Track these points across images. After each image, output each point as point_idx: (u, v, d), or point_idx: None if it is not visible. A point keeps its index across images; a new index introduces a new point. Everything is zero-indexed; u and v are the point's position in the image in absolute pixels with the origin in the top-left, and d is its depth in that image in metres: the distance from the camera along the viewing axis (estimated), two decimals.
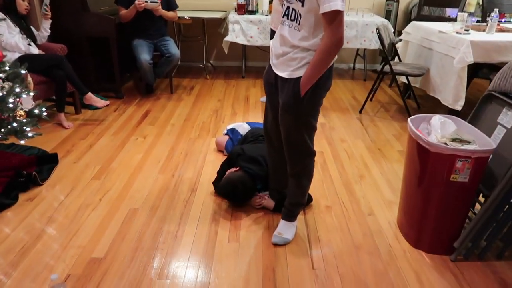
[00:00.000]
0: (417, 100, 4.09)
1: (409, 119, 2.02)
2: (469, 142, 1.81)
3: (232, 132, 2.89)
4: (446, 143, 1.83)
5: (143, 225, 2.13)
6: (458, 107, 3.27)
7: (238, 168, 2.25)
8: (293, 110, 1.73)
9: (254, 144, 2.49)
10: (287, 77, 1.71)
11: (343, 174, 2.73)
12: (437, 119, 2.00)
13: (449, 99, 3.35)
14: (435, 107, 4.09)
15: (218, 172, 2.45)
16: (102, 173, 2.65)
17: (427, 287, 1.77)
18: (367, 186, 2.59)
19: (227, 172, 2.28)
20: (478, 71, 4.00)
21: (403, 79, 4.09)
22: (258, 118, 3.68)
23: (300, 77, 1.67)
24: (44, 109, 2.57)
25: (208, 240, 2.03)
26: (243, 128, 2.84)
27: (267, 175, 2.24)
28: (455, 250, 1.93)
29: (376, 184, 2.62)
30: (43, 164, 2.63)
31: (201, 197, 2.40)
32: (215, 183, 2.44)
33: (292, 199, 2.00)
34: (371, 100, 4.22)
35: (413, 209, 2.00)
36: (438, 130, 1.94)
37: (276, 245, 1.97)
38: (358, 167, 2.84)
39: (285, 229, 2.02)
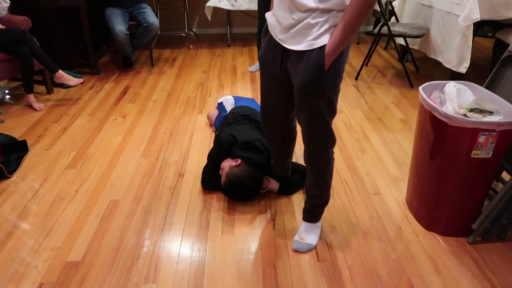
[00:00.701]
0: (416, 63, 3.84)
1: (420, 88, 1.78)
2: (491, 113, 1.59)
3: (221, 106, 2.63)
4: (465, 115, 1.60)
5: (126, 219, 1.90)
6: (463, 69, 3.04)
7: (238, 160, 1.96)
8: (317, 89, 1.41)
9: (238, 127, 2.22)
10: (305, 49, 1.38)
11: (343, 149, 2.51)
12: (451, 87, 1.76)
13: (452, 61, 3.10)
14: (435, 70, 3.84)
15: (206, 167, 2.13)
16: (78, 160, 2.39)
17: (446, 275, 1.60)
18: (370, 161, 2.38)
19: (225, 168, 1.99)
20: (478, 28, 3.74)
21: (400, 41, 3.82)
22: (247, 89, 3.40)
23: (324, 45, 1.35)
24: (6, 91, 2.27)
25: (199, 233, 1.82)
26: (229, 103, 2.57)
27: (268, 161, 2.02)
28: (472, 232, 1.75)
29: (379, 158, 2.41)
30: (10, 153, 2.35)
31: (189, 183, 2.17)
32: (206, 180, 2.12)
33: (314, 200, 1.74)
34: (366, 65, 3.96)
35: (426, 188, 1.80)
36: (454, 99, 1.71)
37: (297, 251, 1.72)
38: (358, 139, 2.62)
39: (308, 233, 1.77)
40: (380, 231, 1.83)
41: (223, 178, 1.94)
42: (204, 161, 2.34)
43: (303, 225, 1.78)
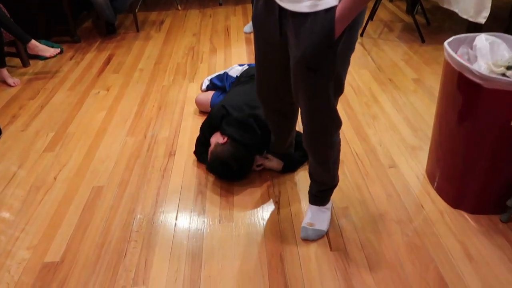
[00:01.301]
0: (426, 15, 3.49)
1: (445, 44, 1.50)
2: None
3: (222, 79, 2.28)
4: (504, 74, 1.33)
5: (111, 209, 1.68)
6: (482, 19, 2.72)
7: (224, 138, 1.73)
8: (322, 64, 1.13)
9: (245, 86, 1.96)
10: (307, 10, 1.08)
11: (351, 115, 2.26)
12: (483, 40, 1.48)
13: (469, 10, 2.77)
14: (447, 22, 3.51)
15: (198, 139, 1.93)
16: (57, 142, 2.14)
17: (478, 261, 1.39)
18: (382, 128, 2.13)
19: (212, 143, 1.77)
20: None
21: None
22: (242, 53, 3.10)
23: (332, 7, 1.06)
24: None
25: (195, 222, 1.60)
26: (235, 70, 2.25)
27: (263, 140, 1.77)
28: (507, 209, 1.52)
29: (392, 125, 2.16)
30: None
31: (181, 163, 1.93)
32: (197, 152, 1.95)
33: (320, 186, 1.51)
34: (371, 19, 3.61)
35: (452, 160, 1.56)
36: (488, 55, 1.44)
37: (306, 240, 1.51)
38: (368, 104, 2.35)
39: (317, 217, 1.53)
40: (399, 211, 1.61)
41: (209, 155, 1.75)
42: (197, 135, 2.10)
43: (311, 209, 1.55)
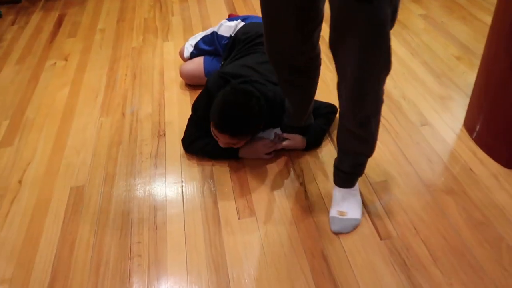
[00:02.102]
0: None
1: None
2: None
3: (211, 42, 1.83)
4: None
5: (99, 216, 1.35)
6: None
7: None
8: None
9: (247, 58, 1.57)
10: None
11: None
12: None
13: None
14: None
15: (190, 121, 1.53)
16: (14, 132, 1.73)
17: None
18: (401, 78, 1.84)
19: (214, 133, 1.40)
20: None
21: None
22: (219, 2, 2.65)
23: None
24: None
25: (208, 221, 1.30)
26: (226, 27, 1.81)
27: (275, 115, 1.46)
28: None
29: (412, 72, 1.87)
30: None
31: (175, 145, 1.59)
32: (188, 139, 1.52)
33: (354, 160, 1.22)
34: None
35: (504, 111, 1.31)
36: None
37: (339, 233, 1.24)
38: None
39: (348, 203, 1.27)
40: (447, 179, 1.37)
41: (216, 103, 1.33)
42: (187, 107, 1.75)
43: (338, 193, 1.28)
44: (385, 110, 1.67)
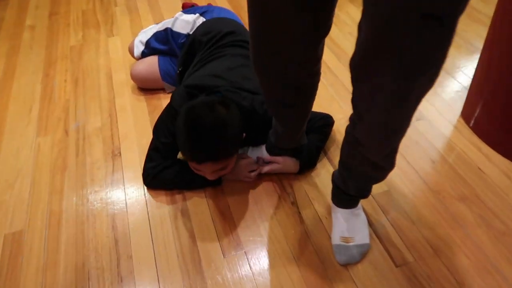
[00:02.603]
0: None
1: None
2: None
3: (165, 40, 1.53)
4: None
5: (46, 269, 1.06)
6: None
7: None
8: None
9: (215, 63, 1.29)
10: None
11: (341, 55, 1.74)
12: None
13: None
14: None
15: (154, 150, 1.22)
16: None
17: None
18: None
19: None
20: None
21: None
22: None
23: None
24: None
25: (187, 265, 1.06)
26: (182, 22, 1.50)
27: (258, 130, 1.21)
28: None
29: None
30: None
31: (134, 166, 1.31)
32: (152, 171, 1.21)
33: (363, 185, 1.01)
34: None
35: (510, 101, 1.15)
36: None
37: (346, 264, 1.03)
38: (354, 35, 1.84)
39: (352, 226, 1.06)
40: (455, 182, 1.20)
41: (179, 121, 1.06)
42: (144, 115, 1.47)
43: (339, 215, 1.08)
44: None
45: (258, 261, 1.05)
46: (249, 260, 1.05)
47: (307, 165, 1.25)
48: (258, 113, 1.17)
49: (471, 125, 1.35)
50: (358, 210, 1.09)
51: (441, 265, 1.02)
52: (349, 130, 0.89)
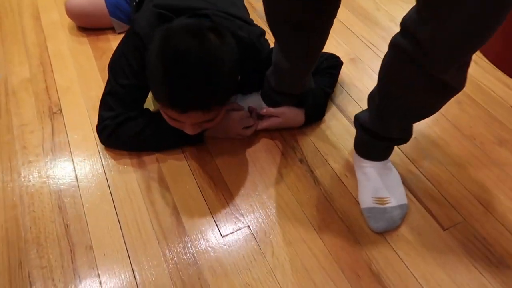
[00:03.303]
0: None
1: None
2: None
3: None
4: None
5: None
6: None
7: None
8: None
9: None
10: None
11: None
12: None
13: None
14: None
15: (111, 95, 0.88)
16: None
17: None
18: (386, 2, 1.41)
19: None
20: None
21: None
22: None
23: None
24: None
25: (172, 248, 0.77)
26: None
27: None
28: None
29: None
30: None
31: (81, 124, 0.98)
32: (112, 124, 0.87)
33: (413, 119, 0.76)
34: None
35: None
36: None
37: (384, 232, 0.80)
38: None
39: (387, 183, 0.82)
40: (491, 126, 1.00)
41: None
42: (91, 62, 1.13)
43: (369, 170, 0.83)
44: (378, 43, 1.23)
45: (268, 237, 0.78)
46: (256, 237, 0.78)
47: (315, 116, 0.98)
48: (258, 49, 0.89)
49: (491, 58, 1.15)
50: (389, 163, 0.86)
51: (495, 223, 0.82)
52: (399, 40, 0.63)
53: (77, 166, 0.90)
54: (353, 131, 0.97)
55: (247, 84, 0.94)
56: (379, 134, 0.78)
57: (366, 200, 0.82)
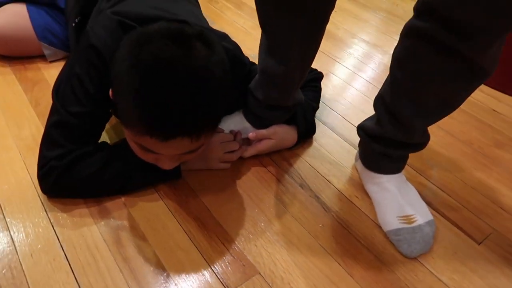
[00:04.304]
0: None
1: None
2: None
3: None
4: None
5: None
6: None
7: None
8: None
9: None
10: None
11: None
12: None
13: None
14: None
15: (59, 126, 0.66)
16: None
17: None
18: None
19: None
20: None
21: None
22: None
23: None
24: None
25: None
26: None
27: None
28: None
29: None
30: None
31: (14, 171, 0.74)
32: (62, 166, 0.65)
33: (437, 117, 0.65)
34: None
35: None
36: None
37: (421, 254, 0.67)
38: None
39: (410, 198, 0.71)
40: (483, 131, 0.96)
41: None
42: (19, 97, 0.91)
43: (390, 185, 0.72)
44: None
45: (287, 283, 0.62)
46: (272, 285, 0.61)
47: (308, 133, 0.86)
48: (243, 61, 0.77)
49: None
50: (403, 176, 0.75)
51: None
52: (422, 25, 0.54)
53: (11, 226, 0.66)
54: (348, 146, 0.86)
55: (239, 98, 0.80)
56: (396, 141, 0.68)
57: (390, 221, 0.69)
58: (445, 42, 0.53)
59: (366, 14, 1.43)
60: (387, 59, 1.17)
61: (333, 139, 0.88)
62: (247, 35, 1.24)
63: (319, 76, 0.93)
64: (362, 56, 1.20)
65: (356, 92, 1.05)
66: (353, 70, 1.13)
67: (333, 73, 1.11)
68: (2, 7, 0.99)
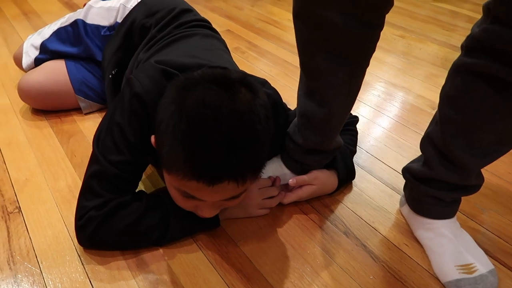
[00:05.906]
0: None
1: None
2: None
3: (75, 39, 1.03)
4: None
5: None
6: None
7: None
8: None
9: (180, 46, 0.82)
10: None
11: None
12: None
13: None
14: None
15: (100, 178, 0.65)
16: None
17: None
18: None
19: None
20: None
21: None
22: None
23: None
24: None
25: None
26: (101, 11, 0.99)
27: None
28: None
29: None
30: None
31: (50, 225, 0.73)
32: (98, 219, 0.64)
33: (498, 154, 0.61)
34: None
35: None
36: None
37: None
38: None
39: (467, 245, 0.66)
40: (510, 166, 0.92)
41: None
42: (55, 149, 0.91)
43: (446, 231, 0.67)
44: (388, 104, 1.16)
45: None
46: None
47: (348, 178, 0.83)
48: (284, 107, 0.77)
49: None
50: (457, 221, 0.71)
51: None
52: (472, 62, 0.54)
53: (48, 281, 0.63)
54: (389, 191, 0.83)
55: (278, 144, 0.79)
56: (449, 183, 0.64)
57: (447, 271, 0.64)
58: (501, 77, 0.52)
59: (382, 55, 1.44)
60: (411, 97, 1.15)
61: (373, 183, 0.85)
62: (274, 82, 1.25)
63: (354, 120, 0.91)
64: (385, 95, 1.19)
65: (384, 132, 1.02)
66: (379, 110, 1.12)
67: (361, 114, 1.09)
68: (43, 64, 1.03)
